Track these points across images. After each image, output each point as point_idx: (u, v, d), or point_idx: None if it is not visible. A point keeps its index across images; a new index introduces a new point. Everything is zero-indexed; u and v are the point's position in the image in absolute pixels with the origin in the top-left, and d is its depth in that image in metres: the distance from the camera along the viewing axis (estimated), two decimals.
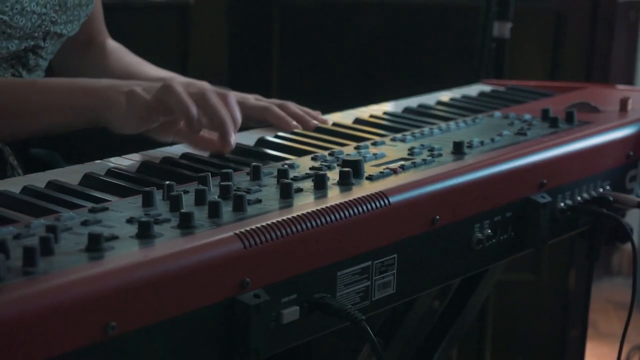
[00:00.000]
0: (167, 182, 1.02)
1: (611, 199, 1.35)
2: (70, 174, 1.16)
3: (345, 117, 1.54)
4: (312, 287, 0.97)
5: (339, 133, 1.41)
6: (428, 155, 1.22)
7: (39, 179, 1.13)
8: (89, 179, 1.14)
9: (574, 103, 1.54)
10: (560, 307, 2.91)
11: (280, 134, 1.41)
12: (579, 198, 1.34)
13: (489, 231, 1.20)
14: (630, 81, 3.47)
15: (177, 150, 1.29)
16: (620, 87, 1.89)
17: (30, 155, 1.63)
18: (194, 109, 1.22)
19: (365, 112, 1.57)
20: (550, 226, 1.28)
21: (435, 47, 2.78)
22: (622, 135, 1.42)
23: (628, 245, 1.37)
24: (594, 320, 3.27)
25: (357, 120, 1.51)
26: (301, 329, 0.97)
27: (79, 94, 1.29)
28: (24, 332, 0.74)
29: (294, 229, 0.95)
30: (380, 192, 1.05)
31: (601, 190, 1.38)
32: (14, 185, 1.10)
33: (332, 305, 0.97)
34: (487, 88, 1.82)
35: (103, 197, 1.06)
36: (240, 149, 1.31)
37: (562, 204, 1.31)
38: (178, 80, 1.39)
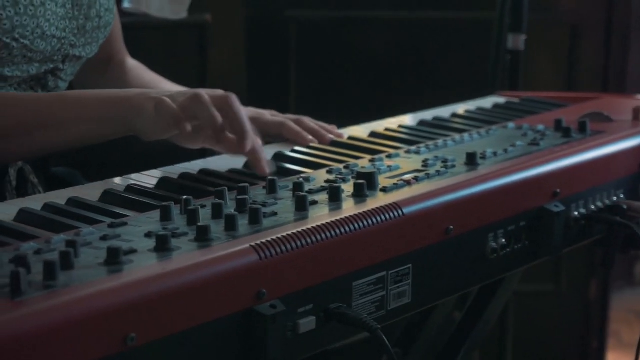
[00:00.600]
0: (185, 197, 1.04)
1: (625, 207, 1.36)
2: (91, 191, 1.19)
3: (364, 130, 1.55)
4: (328, 297, 0.99)
5: (355, 146, 1.43)
6: (442, 167, 1.23)
7: (60, 196, 1.16)
8: (108, 196, 1.16)
9: (587, 113, 1.56)
10: (581, 317, 2.90)
11: (297, 148, 1.43)
12: (592, 207, 1.35)
13: (503, 240, 1.21)
14: None
15: (195, 166, 1.31)
16: (634, 97, 1.90)
17: (51, 173, 1.65)
18: (219, 118, 1.24)
19: (381, 125, 1.59)
20: (564, 235, 1.29)
21: (451, 60, 2.80)
22: (635, 144, 1.43)
23: None
24: (617, 330, 3.26)
25: (373, 134, 1.52)
26: (318, 339, 0.99)
27: (110, 104, 1.31)
28: (44, 345, 0.76)
29: (308, 240, 0.97)
30: (394, 203, 1.07)
31: (615, 198, 1.39)
32: (35, 202, 1.13)
33: (348, 315, 0.99)
34: (501, 100, 1.83)
35: (122, 213, 1.08)
36: None
37: (576, 213, 1.32)
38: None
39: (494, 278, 1.24)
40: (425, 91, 2.75)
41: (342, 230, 1.00)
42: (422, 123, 1.61)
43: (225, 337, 0.90)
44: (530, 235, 1.25)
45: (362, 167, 1.23)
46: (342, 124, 1.58)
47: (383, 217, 1.05)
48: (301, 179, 1.15)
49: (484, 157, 1.28)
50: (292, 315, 0.95)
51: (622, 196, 1.40)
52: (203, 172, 1.28)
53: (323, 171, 1.24)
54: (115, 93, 1.33)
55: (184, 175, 1.26)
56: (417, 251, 1.09)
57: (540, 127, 1.48)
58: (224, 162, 1.32)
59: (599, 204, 1.36)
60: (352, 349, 1.54)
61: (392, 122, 1.61)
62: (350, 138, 1.49)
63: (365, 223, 1.03)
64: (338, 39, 2.83)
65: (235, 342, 0.91)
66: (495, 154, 1.30)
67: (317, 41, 2.84)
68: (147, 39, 2.61)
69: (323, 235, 0.98)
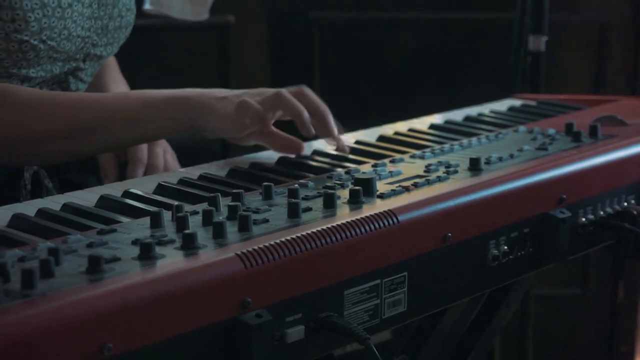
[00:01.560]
0: (176, 203, 1.04)
1: (635, 212, 1.33)
2: (89, 196, 1.18)
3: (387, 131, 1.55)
4: (318, 306, 0.98)
5: (363, 151, 1.41)
6: (444, 172, 1.22)
7: (57, 201, 1.15)
8: (104, 201, 1.16)
9: (600, 116, 1.53)
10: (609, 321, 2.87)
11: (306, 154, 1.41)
12: (601, 212, 1.32)
13: (506, 247, 1.19)
14: None
15: (195, 171, 1.31)
16: None
17: (65, 178, 1.66)
18: (306, 113, 1.36)
19: (391, 128, 1.57)
20: (570, 241, 1.26)
21: (472, 61, 2.78)
22: None
23: None
24: None
25: (381, 138, 1.51)
26: (307, 348, 0.97)
27: (174, 103, 1.34)
28: (18, 355, 0.76)
29: (297, 248, 0.95)
30: (388, 210, 1.06)
31: (625, 204, 1.36)
32: (31, 207, 1.12)
33: (337, 324, 0.98)
34: (518, 102, 1.80)
35: (115, 219, 1.08)
36: (261, 168, 1.33)
37: (584, 219, 1.29)
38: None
39: (495, 286, 1.22)
40: (446, 93, 2.73)
41: (333, 238, 0.99)
42: (432, 127, 1.59)
43: (208, 347, 0.88)
44: (534, 242, 1.23)
45: (362, 173, 1.21)
46: (365, 126, 1.57)
47: (377, 225, 1.03)
48: (297, 185, 1.14)
49: (488, 162, 1.26)
50: (279, 324, 0.94)
51: (633, 201, 1.37)
52: (202, 177, 1.28)
53: (324, 176, 1.23)
54: (176, 92, 1.36)
55: (182, 181, 1.25)
56: (413, 259, 1.07)
57: (551, 131, 1.46)
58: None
59: (609, 209, 1.33)
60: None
61: (402, 126, 1.59)
62: (357, 142, 1.47)
63: (358, 231, 1.01)
64: (361, 40, 2.82)
65: (218, 352, 0.89)
66: (500, 159, 1.28)
67: (340, 43, 2.82)
68: (169, 40, 2.61)
69: (312, 244, 0.97)
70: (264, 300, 0.92)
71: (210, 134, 1.35)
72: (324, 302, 0.98)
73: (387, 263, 1.05)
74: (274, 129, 1.39)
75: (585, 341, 2.92)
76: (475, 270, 1.16)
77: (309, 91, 1.40)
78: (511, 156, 1.30)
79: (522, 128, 1.50)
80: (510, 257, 1.20)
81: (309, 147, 1.43)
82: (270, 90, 1.37)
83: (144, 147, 1.51)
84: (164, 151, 1.55)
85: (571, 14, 2.77)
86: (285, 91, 1.36)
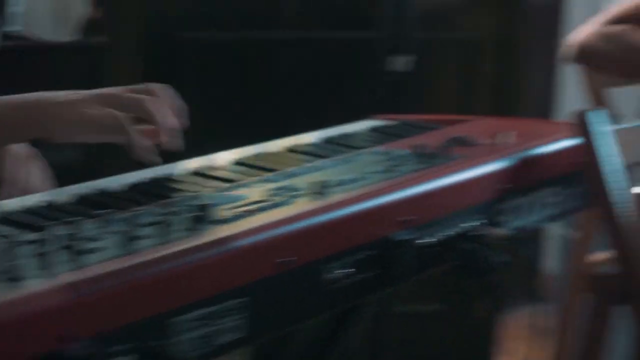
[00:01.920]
0: (4, 233, 1.02)
1: (479, 233, 1.35)
2: None
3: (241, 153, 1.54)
4: (148, 335, 0.97)
5: (213, 176, 1.41)
6: (287, 196, 1.22)
7: None
8: None
9: (452, 137, 1.56)
10: (472, 336, 2.91)
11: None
12: (445, 234, 1.34)
13: (347, 270, 1.19)
14: (548, 112, 3.48)
15: (39, 197, 1.28)
16: (515, 119, 1.91)
17: None
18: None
19: (248, 151, 1.57)
20: (413, 263, 1.27)
21: (341, 81, 2.80)
22: (492, 170, 1.43)
23: (547, 271, 1.37)
24: (515, 347, 3.26)
25: (238, 162, 1.50)
26: None
27: (13, 109, 1.29)
28: None
29: (125, 277, 0.95)
30: (226, 236, 1.06)
31: (469, 224, 1.38)
32: None
33: (165, 353, 0.97)
34: (377, 123, 1.82)
35: None
36: (109, 195, 1.31)
37: (427, 240, 1.30)
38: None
39: (337, 308, 1.23)
40: (320, 113, 2.74)
41: (164, 266, 0.98)
42: (290, 150, 1.60)
43: None
44: (376, 264, 1.24)
45: (204, 198, 1.21)
46: (235, 146, 1.56)
47: (212, 251, 1.03)
48: (137, 212, 1.13)
49: (333, 186, 1.27)
50: (104, 356, 0.92)
51: (478, 222, 1.39)
52: (49, 205, 1.26)
53: (168, 202, 1.22)
54: (16, 98, 1.31)
55: (26, 210, 1.23)
56: (252, 284, 1.07)
57: (403, 152, 1.47)
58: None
59: (453, 230, 1.35)
60: None
61: (262, 148, 1.59)
62: (211, 168, 1.46)
63: (192, 258, 1.01)
64: (232, 61, 2.83)
65: None
66: (347, 181, 1.29)
67: (211, 63, 2.83)
68: (38, 62, 2.58)
69: (142, 272, 0.96)
70: (90, 331, 0.91)
71: (58, 139, 1.31)
72: (154, 331, 0.97)
73: (225, 289, 1.04)
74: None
75: (447, 357, 2.96)
76: (318, 293, 1.17)
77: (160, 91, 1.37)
78: (358, 179, 1.31)
79: (375, 149, 1.51)
80: (351, 279, 1.20)
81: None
82: (122, 95, 1.33)
83: (14, 165, 1.47)
84: (41, 169, 1.52)
85: (441, 33, 2.82)
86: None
